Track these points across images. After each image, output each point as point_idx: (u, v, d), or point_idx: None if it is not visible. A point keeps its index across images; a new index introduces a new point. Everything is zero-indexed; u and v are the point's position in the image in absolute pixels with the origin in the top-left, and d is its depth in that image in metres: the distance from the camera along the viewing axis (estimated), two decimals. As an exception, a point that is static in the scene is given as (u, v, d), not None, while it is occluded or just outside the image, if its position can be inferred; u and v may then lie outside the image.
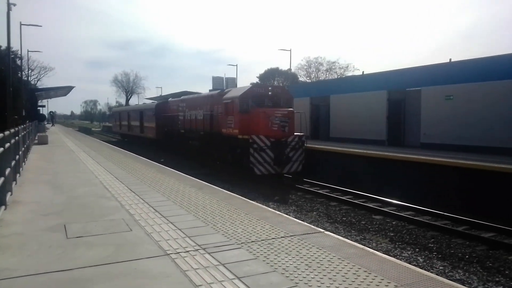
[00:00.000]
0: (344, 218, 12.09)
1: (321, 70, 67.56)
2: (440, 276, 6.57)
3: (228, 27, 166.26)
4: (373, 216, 12.27)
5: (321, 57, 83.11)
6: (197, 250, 5.03)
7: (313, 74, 68.90)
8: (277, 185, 16.87)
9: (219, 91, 21.61)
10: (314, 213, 12.83)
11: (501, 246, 9.37)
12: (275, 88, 19.88)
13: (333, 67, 67.64)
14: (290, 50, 50.57)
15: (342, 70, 66.07)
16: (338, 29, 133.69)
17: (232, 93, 19.07)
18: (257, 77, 75.79)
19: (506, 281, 7.57)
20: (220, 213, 7.00)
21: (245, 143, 16.79)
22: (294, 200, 14.72)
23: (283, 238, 5.56)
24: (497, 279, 7.68)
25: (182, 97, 27.60)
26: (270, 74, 70.63)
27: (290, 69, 59.75)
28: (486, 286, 7.37)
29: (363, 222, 11.62)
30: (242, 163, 17.34)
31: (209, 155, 21.38)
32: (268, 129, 16.86)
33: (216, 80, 37.55)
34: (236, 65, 72.20)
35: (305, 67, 70.48)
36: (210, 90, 26.41)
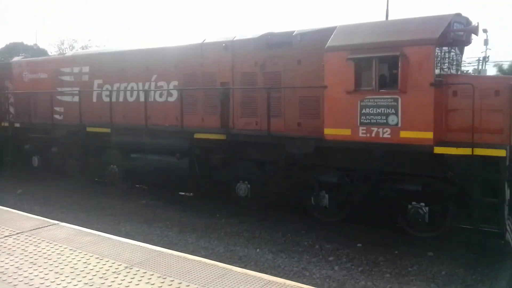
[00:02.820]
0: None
1: (76, 48, 58.69)
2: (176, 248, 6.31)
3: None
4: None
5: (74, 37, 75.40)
6: None
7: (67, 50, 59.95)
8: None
9: (292, 32, 8.67)
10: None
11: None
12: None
13: (89, 45, 59.75)
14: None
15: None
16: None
17: (380, 28, 7.83)
18: (-6, 52, 60.75)
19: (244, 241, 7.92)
20: None
21: (463, 168, 6.72)
22: None
23: (7, 238, 5.20)
24: (239, 240, 8.01)
25: (78, 52, 15.54)
26: (14, 49, 56.91)
27: (36, 44, 49.63)
28: (227, 247, 7.60)
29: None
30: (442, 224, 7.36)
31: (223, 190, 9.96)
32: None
33: None
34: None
35: (57, 43, 60.00)
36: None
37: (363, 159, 7.61)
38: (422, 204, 7.34)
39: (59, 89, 12.68)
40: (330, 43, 7.60)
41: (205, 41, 9.93)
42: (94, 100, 11.87)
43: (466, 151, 6.54)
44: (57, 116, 12.72)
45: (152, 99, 10.70)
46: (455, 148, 6.63)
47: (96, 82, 11.88)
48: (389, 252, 7.15)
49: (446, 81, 7.07)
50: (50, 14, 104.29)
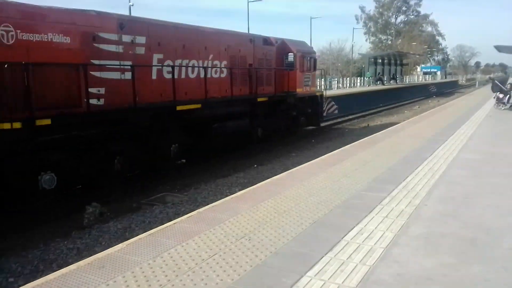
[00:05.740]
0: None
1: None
2: None
3: None
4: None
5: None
6: None
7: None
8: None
9: None
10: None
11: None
12: None
13: None
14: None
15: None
16: None
17: None
18: None
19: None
20: None
21: None
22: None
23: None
24: None
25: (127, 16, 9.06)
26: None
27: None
28: None
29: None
30: None
31: None
32: None
33: None
34: None
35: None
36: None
37: None
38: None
39: (95, 62, 8.87)
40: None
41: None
42: (154, 77, 10.34)
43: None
44: (94, 101, 8.93)
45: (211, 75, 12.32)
46: None
47: (156, 57, 10.31)
48: None
49: None
50: None
